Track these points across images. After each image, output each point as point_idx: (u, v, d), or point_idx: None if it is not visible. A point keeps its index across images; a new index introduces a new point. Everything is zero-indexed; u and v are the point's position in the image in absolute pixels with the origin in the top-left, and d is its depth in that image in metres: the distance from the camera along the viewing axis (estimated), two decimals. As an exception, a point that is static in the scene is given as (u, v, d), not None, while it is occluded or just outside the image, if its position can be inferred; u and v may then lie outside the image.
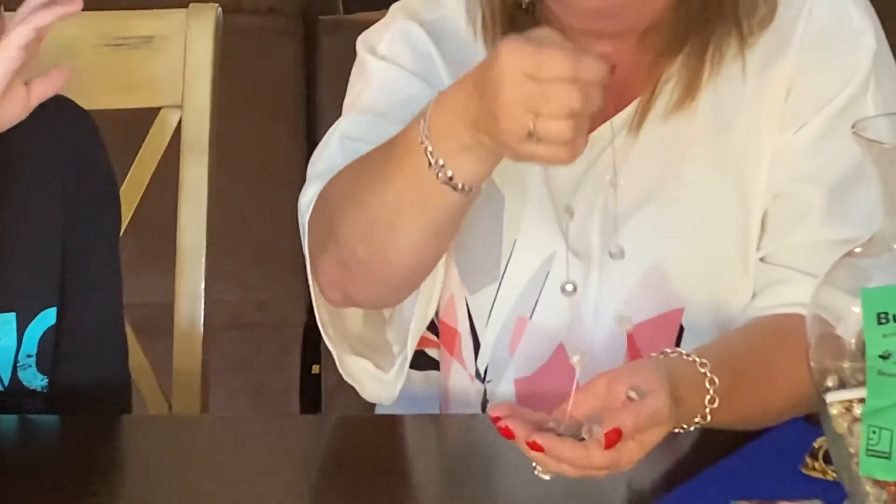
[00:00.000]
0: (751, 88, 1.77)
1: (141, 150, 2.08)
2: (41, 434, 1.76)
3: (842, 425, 1.43)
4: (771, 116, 1.77)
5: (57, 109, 1.80)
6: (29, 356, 1.79)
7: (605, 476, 1.43)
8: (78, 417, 1.81)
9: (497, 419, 1.40)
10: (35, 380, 1.80)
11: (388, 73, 1.82)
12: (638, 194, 1.77)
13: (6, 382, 1.78)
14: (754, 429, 1.62)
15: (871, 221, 1.69)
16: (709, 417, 1.54)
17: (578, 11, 1.74)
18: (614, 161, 1.70)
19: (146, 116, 2.09)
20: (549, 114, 1.42)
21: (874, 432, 1.39)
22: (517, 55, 1.43)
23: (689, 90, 1.76)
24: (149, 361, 2.05)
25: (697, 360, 1.55)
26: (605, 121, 1.76)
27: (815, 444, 1.55)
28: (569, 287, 1.66)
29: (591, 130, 1.73)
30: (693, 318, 1.51)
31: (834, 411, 1.44)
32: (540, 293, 1.80)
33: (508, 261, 1.82)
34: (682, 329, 1.48)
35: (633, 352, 1.44)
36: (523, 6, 1.77)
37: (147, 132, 2.09)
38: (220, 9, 2.09)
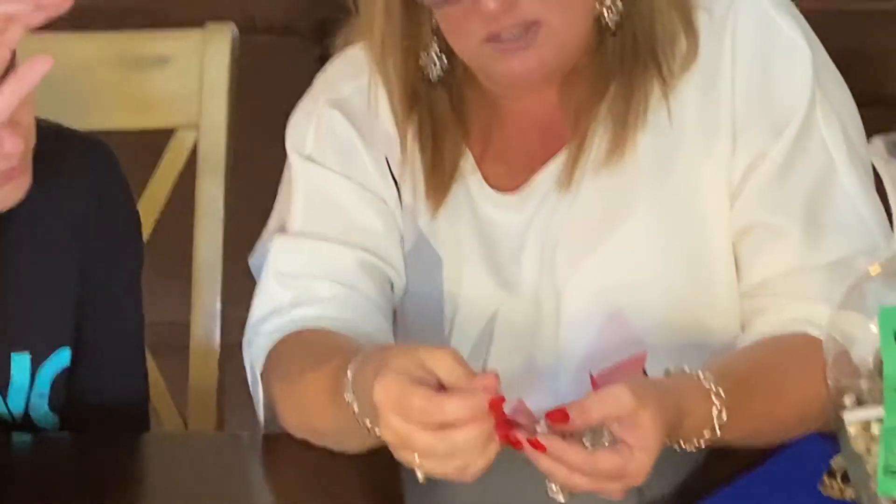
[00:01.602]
0: (688, 127, 1.75)
1: (157, 170, 2.09)
2: (57, 452, 1.76)
3: (860, 444, 1.42)
4: (716, 151, 1.74)
5: (75, 145, 1.80)
6: (41, 395, 1.78)
7: (621, 496, 1.43)
8: (94, 435, 1.81)
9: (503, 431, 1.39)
10: (46, 419, 1.80)
11: (319, 180, 1.82)
12: (584, 243, 1.76)
13: (18, 420, 1.78)
14: (766, 444, 1.61)
15: (853, 231, 1.72)
16: (718, 431, 1.54)
17: (503, 85, 1.76)
18: (553, 219, 1.76)
19: (162, 136, 2.09)
20: (424, 455, 1.39)
21: (892, 451, 1.39)
22: (390, 388, 1.38)
23: (618, 140, 1.74)
24: (164, 379, 2.05)
25: (700, 373, 1.55)
26: (534, 171, 1.78)
27: (833, 464, 1.55)
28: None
29: (522, 183, 1.78)
30: (655, 360, 1.51)
31: (852, 430, 1.43)
32: (486, 354, 1.80)
33: (451, 324, 1.82)
34: (645, 373, 1.48)
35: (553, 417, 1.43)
36: (432, 80, 1.78)
37: (163, 152, 2.09)
38: (235, 28, 2.09)
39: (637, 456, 1.41)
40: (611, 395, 1.41)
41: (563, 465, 1.39)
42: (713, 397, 1.53)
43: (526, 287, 1.78)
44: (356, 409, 1.52)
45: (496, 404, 1.38)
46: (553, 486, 1.43)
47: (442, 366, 1.40)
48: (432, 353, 1.42)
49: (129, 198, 1.87)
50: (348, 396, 1.52)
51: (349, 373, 1.52)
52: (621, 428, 1.41)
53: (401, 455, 1.41)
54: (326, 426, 1.62)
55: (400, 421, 1.38)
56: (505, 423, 1.39)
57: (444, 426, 1.36)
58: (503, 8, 1.64)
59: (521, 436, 1.39)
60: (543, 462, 1.39)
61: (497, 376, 1.40)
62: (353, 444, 1.58)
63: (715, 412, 1.53)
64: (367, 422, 1.52)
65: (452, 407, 1.36)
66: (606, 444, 1.41)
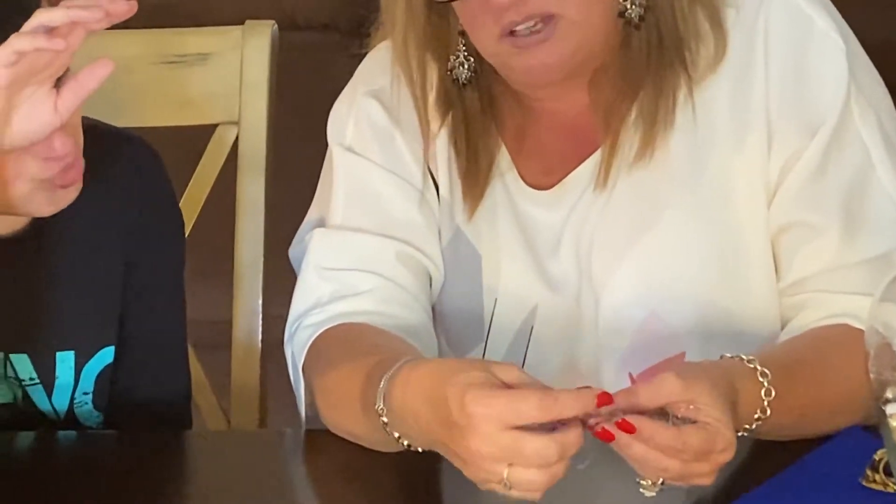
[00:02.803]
0: (719, 126, 1.74)
1: (198, 167, 2.09)
2: (101, 449, 1.77)
3: (903, 437, 1.43)
4: (749, 151, 1.74)
5: (120, 146, 1.82)
6: (85, 394, 1.80)
7: (711, 480, 1.43)
8: (138, 433, 1.82)
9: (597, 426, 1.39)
10: (91, 417, 1.82)
11: (358, 170, 1.83)
12: (620, 243, 1.76)
13: (62, 417, 1.80)
14: (813, 431, 1.61)
15: (890, 228, 1.71)
16: (768, 411, 1.53)
17: (525, 83, 1.76)
18: (589, 218, 1.76)
19: (203, 133, 2.10)
20: (524, 464, 1.37)
21: (934, 444, 1.39)
22: (489, 405, 1.37)
23: (648, 139, 1.73)
24: (207, 377, 2.06)
25: (745, 357, 1.56)
26: (568, 170, 1.78)
27: (876, 457, 1.55)
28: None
29: (557, 181, 1.78)
30: (694, 358, 1.51)
31: (894, 423, 1.44)
32: (526, 349, 1.80)
33: (491, 318, 1.82)
34: None
35: (602, 399, 1.43)
36: (461, 83, 1.78)
37: (204, 149, 2.10)
38: (275, 25, 2.10)
39: (719, 429, 1.41)
40: (657, 381, 1.42)
41: (650, 447, 1.39)
42: (759, 377, 1.54)
43: (564, 284, 1.78)
44: (386, 421, 1.52)
45: (605, 398, 1.38)
46: (643, 481, 1.43)
47: (512, 376, 1.41)
48: (501, 366, 1.43)
49: (172, 199, 1.88)
50: (379, 408, 1.52)
51: (382, 384, 1.52)
52: (686, 413, 1.41)
53: (487, 469, 1.39)
54: (358, 431, 1.63)
55: (505, 430, 1.36)
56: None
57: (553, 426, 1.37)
58: (514, 2, 1.64)
59: (609, 427, 1.38)
60: (636, 448, 1.39)
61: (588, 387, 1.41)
62: (383, 448, 1.59)
63: (763, 391, 1.53)
64: (396, 434, 1.52)
65: (568, 401, 1.37)
66: None
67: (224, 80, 2.09)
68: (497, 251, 1.80)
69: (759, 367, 1.54)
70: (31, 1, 1.58)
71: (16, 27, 1.51)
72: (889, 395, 1.44)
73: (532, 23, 1.66)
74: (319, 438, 1.70)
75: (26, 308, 1.73)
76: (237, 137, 2.09)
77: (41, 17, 1.51)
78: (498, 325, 1.82)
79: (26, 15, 1.52)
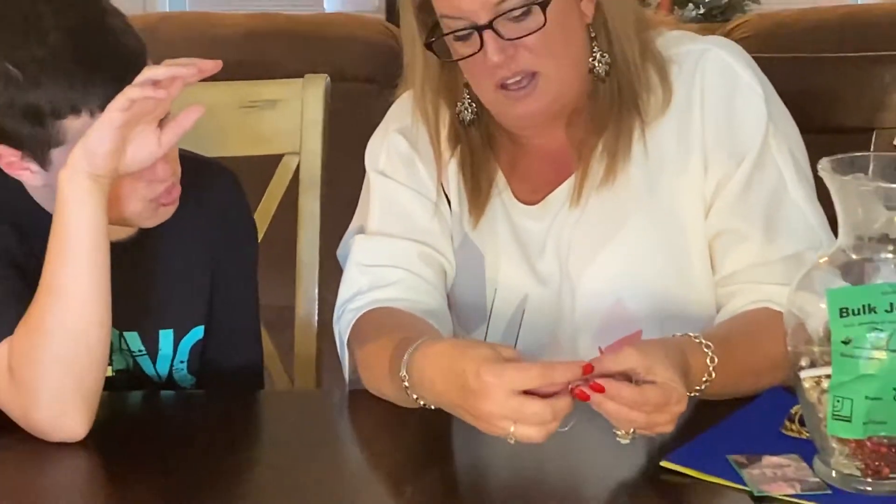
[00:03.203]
0: (667, 157, 1.73)
1: (268, 187, 2.09)
2: (194, 405, 1.78)
3: (813, 396, 1.42)
4: (691, 175, 1.73)
5: (208, 172, 1.82)
6: (181, 362, 1.81)
7: (671, 427, 1.43)
8: (222, 392, 1.82)
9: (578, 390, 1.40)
10: (185, 380, 1.82)
11: (388, 189, 1.82)
12: (591, 247, 1.75)
13: (164, 380, 1.80)
14: (746, 391, 1.61)
15: (800, 232, 1.71)
16: (713, 374, 1.53)
17: (514, 125, 1.76)
18: (566, 228, 1.75)
19: (272, 161, 2.09)
20: (526, 422, 1.38)
21: (838, 401, 1.38)
22: (500, 375, 1.38)
23: (611, 167, 1.73)
24: (276, 349, 2.06)
25: (692, 334, 1.55)
26: (550, 190, 1.78)
27: (792, 411, 1.55)
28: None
29: (541, 198, 1.78)
30: (648, 337, 1.51)
31: (807, 385, 1.43)
32: (519, 328, 1.80)
33: (492, 304, 1.81)
34: None
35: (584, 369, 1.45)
36: (466, 123, 1.78)
37: (273, 173, 2.10)
38: (328, 78, 2.10)
39: (672, 386, 1.41)
40: (621, 354, 1.42)
41: (618, 403, 1.39)
42: (704, 349, 1.53)
43: (549, 279, 1.78)
44: (407, 385, 1.53)
45: (588, 368, 1.39)
46: (618, 431, 1.43)
47: (511, 353, 1.43)
48: (501, 346, 1.46)
49: (248, 212, 1.88)
50: (403, 375, 1.52)
51: (405, 357, 1.52)
52: (645, 377, 1.41)
53: (496, 425, 1.39)
54: (387, 391, 1.62)
55: (513, 396, 1.37)
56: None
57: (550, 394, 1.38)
58: (505, 61, 1.65)
59: (584, 388, 1.39)
60: (608, 405, 1.39)
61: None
62: (405, 405, 1.58)
63: (708, 359, 1.53)
64: (415, 396, 1.53)
65: (561, 370, 1.38)
66: None
67: (288, 120, 2.08)
68: (496, 253, 1.80)
69: (703, 342, 1.54)
70: (140, 60, 1.58)
71: (129, 81, 1.51)
72: (803, 363, 1.43)
73: (519, 78, 1.67)
74: (360, 396, 1.69)
75: (136, 296, 1.73)
76: (298, 165, 2.08)
77: (148, 73, 1.51)
78: (497, 309, 1.81)
79: (137, 71, 1.52)
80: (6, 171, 1.63)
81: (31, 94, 1.55)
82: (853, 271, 1.41)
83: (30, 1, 1.58)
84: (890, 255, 1.40)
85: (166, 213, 1.67)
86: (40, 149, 1.59)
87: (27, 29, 1.56)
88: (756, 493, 1.41)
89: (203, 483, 1.48)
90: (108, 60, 1.57)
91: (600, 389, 1.39)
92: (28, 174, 1.63)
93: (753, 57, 1.80)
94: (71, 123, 1.56)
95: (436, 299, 1.79)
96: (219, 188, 1.83)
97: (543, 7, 1.63)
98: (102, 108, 1.53)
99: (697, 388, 1.52)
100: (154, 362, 1.79)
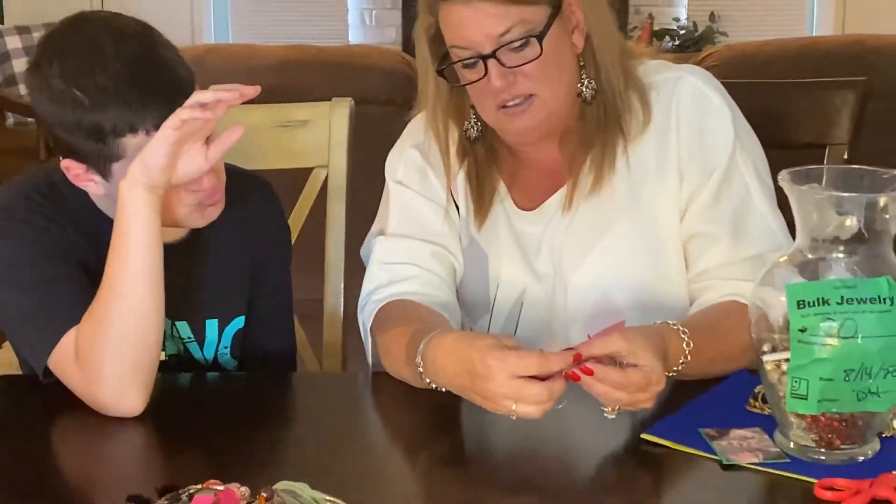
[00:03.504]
0: (648, 171, 1.73)
1: (301, 196, 2.09)
2: (236, 385, 1.77)
3: (774, 377, 1.42)
4: (668, 186, 1.72)
5: (248, 183, 1.82)
6: (225, 348, 1.81)
7: (651, 404, 1.45)
8: (260, 374, 1.82)
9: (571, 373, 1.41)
10: (228, 364, 1.82)
11: (404, 196, 1.82)
12: (581, 251, 1.75)
13: (210, 363, 1.80)
14: (717, 373, 1.61)
15: (763, 236, 1.71)
16: (689, 357, 1.54)
17: (514, 141, 1.75)
18: (559, 231, 1.74)
19: (304, 174, 2.09)
20: (525, 402, 1.40)
21: (796, 382, 1.38)
22: (503, 360, 1.40)
23: (598, 179, 1.72)
24: (307, 337, 2.05)
25: (671, 322, 1.56)
26: (545, 198, 1.77)
27: (756, 390, 1.55)
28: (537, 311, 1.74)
29: (537, 205, 1.77)
30: (630, 325, 1.52)
31: (769, 368, 1.43)
32: (518, 318, 1.79)
33: (495, 297, 1.80)
34: None
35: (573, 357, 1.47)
36: (472, 139, 1.77)
37: (304, 184, 2.09)
38: (352, 101, 2.10)
39: (652, 369, 1.43)
40: (609, 339, 1.44)
41: (605, 384, 1.41)
42: (681, 334, 1.54)
43: (544, 275, 1.77)
44: (421, 371, 1.54)
45: (578, 357, 1.41)
46: (605, 408, 1.45)
47: (512, 343, 1.45)
48: (506, 337, 1.47)
49: (282, 217, 1.88)
50: (419, 362, 1.54)
51: (420, 346, 1.53)
52: (628, 361, 1.43)
53: (500, 404, 1.41)
54: (403, 374, 1.62)
55: (514, 379, 1.39)
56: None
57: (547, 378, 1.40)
58: (506, 86, 1.65)
59: (577, 371, 1.41)
60: (597, 386, 1.41)
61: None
62: (419, 386, 1.58)
63: (684, 345, 1.54)
64: (428, 379, 1.54)
65: (555, 359, 1.40)
66: None
67: (318, 138, 2.08)
68: (499, 253, 1.79)
69: (680, 328, 1.55)
70: (188, 87, 1.58)
71: (179, 104, 1.51)
72: (765, 348, 1.43)
73: (518, 100, 1.67)
74: (381, 378, 1.69)
75: (185, 290, 1.73)
76: (326, 177, 2.08)
77: (196, 97, 1.51)
78: (499, 302, 1.81)
79: (186, 95, 1.52)
80: (74, 182, 1.64)
81: (95, 116, 1.56)
82: (809, 269, 1.41)
83: (94, 35, 1.59)
84: (841, 255, 1.40)
85: (213, 213, 1.67)
86: (102, 163, 1.60)
87: (92, 59, 1.56)
88: (725, 462, 1.41)
89: (243, 453, 1.48)
90: (161, 87, 1.57)
91: (590, 373, 1.41)
92: (92, 185, 1.64)
93: (722, 83, 1.80)
94: (129, 141, 1.56)
95: (446, 293, 1.78)
96: (257, 197, 1.83)
97: (539, 39, 1.64)
98: (156, 128, 1.53)
99: (675, 369, 1.52)
100: (201, 348, 1.79)
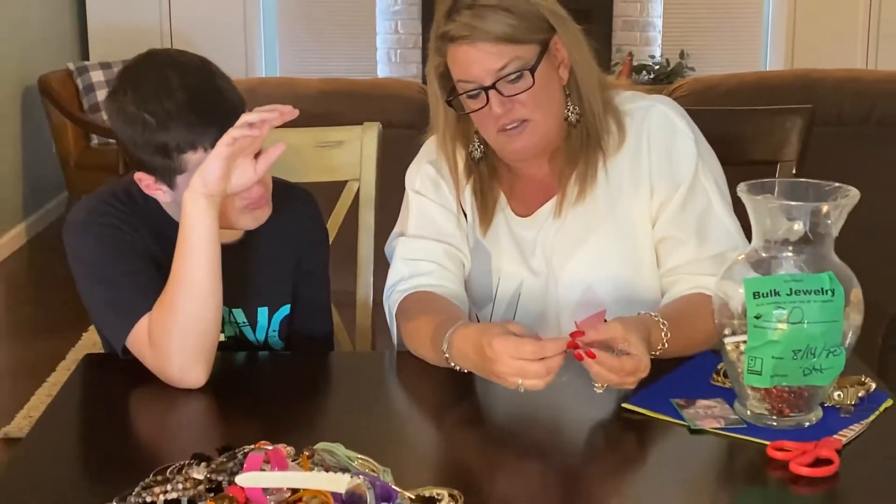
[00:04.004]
0: (624, 184, 1.72)
1: (337, 204, 2.08)
2: (282, 362, 1.77)
3: (734, 356, 1.42)
4: (641, 197, 1.72)
5: (292, 192, 1.82)
6: (274, 331, 1.80)
7: (633, 385, 1.46)
8: (305, 355, 1.81)
9: (575, 346, 1.43)
10: (277, 344, 1.82)
11: (421, 204, 1.81)
12: (569, 251, 1.75)
13: (261, 344, 1.80)
14: (689, 353, 1.60)
15: (723, 238, 1.70)
16: (666, 344, 1.55)
17: (512, 159, 1.75)
18: (550, 234, 1.74)
19: (339, 186, 2.08)
20: (528, 377, 1.42)
21: (752, 360, 1.38)
22: (505, 346, 1.42)
23: (582, 191, 1.72)
24: (342, 322, 2.05)
25: (652, 314, 1.56)
26: (538, 206, 1.77)
27: (718, 367, 1.55)
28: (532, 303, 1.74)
29: (531, 212, 1.77)
30: (611, 316, 1.52)
31: (729, 348, 1.43)
32: (516, 306, 1.79)
33: (497, 288, 1.80)
34: (605, 321, 1.49)
35: (575, 333, 1.47)
36: (476, 159, 1.77)
37: (339, 194, 2.09)
38: (380, 125, 2.09)
39: (640, 358, 1.44)
40: (609, 326, 1.46)
41: (603, 367, 1.43)
42: (661, 325, 1.54)
43: (539, 271, 1.77)
44: (449, 357, 1.55)
45: (573, 344, 1.43)
46: (596, 385, 1.46)
47: (517, 329, 1.46)
48: (511, 324, 1.48)
49: (321, 221, 1.88)
50: (445, 349, 1.55)
51: (447, 335, 1.55)
52: (623, 347, 1.44)
53: (508, 380, 1.43)
54: (426, 355, 1.62)
55: (516, 360, 1.41)
56: (575, 346, 1.44)
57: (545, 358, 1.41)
58: (504, 112, 1.66)
59: (583, 353, 1.42)
60: (595, 367, 1.43)
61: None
62: (439, 365, 1.59)
63: (663, 333, 1.54)
64: (452, 363, 1.55)
65: (551, 345, 1.42)
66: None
67: (351, 156, 2.07)
68: (500, 252, 1.79)
69: (660, 320, 1.55)
70: (240, 110, 1.58)
71: (231, 124, 1.52)
72: (726, 332, 1.43)
73: (514, 124, 1.67)
74: (405, 357, 1.69)
75: (240, 283, 1.73)
76: (358, 188, 2.08)
77: (245, 118, 1.52)
78: (500, 293, 1.80)
79: (237, 116, 1.53)
80: (145, 191, 1.65)
81: (162, 136, 1.56)
82: (763, 266, 1.41)
83: (162, 68, 1.59)
84: (790, 254, 1.40)
85: (261, 217, 1.67)
86: (168, 175, 1.60)
87: (159, 89, 1.57)
88: (692, 427, 1.41)
89: (289, 419, 1.48)
90: (217, 112, 1.57)
91: (593, 356, 1.42)
92: (160, 193, 1.64)
93: (689, 110, 1.79)
94: (190, 157, 1.57)
95: (457, 284, 1.78)
96: (300, 204, 1.83)
97: (532, 72, 1.64)
98: (213, 146, 1.54)
99: (653, 353, 1.52)
100: (254, 331, 1.79)
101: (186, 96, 1.56)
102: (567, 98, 1.72)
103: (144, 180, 1.63)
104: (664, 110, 1.74)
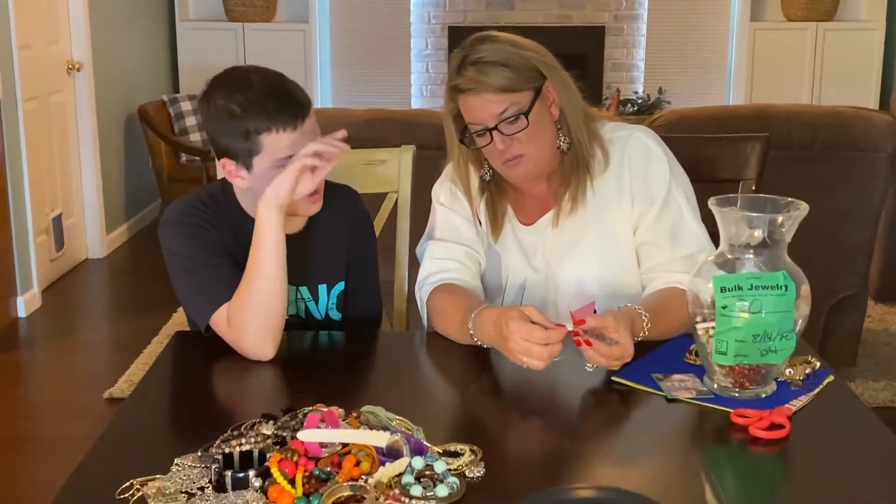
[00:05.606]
0: (609, 200, 1.71)
1: (379, 211, 2.08)
2: (338, 341, 1.76)
3: (704, 339, 1.41)
4: (624, 211, 1.71)
5: (340, 190, 1.81)
6: (332, 304, 1.79)
7: (619, 367, 1.46)
8: (356, 328, 1.81)
9: (576, 333, 1.43)
10: (335, 316, 1.81)
11: (445, 214, 1.80)
12: (564, 254, 1.74)
13: (323, 318, 1.79)
14: (667, 338, 1.59)
15: (693, 242, 1.69)
16: (647, 332, 1.53)
17: (515, 182, 1.74)
18: (548, 240, 1.74)
19: (381, 196, 2.09)
20: (533, 356, 1.42)
21: (719, 342, 1.37)
22: (517, 328, 1.42)
23: (574, 205, 1.71)
24: (384, 306, 2.05)
25: (636, 306, 1.55)
26: (539, 217, 1.76)
27: (691, 348, 1.54)
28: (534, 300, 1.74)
29: (533, 222, 1.76)
30: (600, 306, 1.51)
31: (700, 332, 1.42)
32: (522, 298, 1.78)
33: (505, 285, 1.79)
34: (595, 311, 1.48)
35: (578, 322, 1.46)
36: (486, 180, 1.76)
37: (382, 203, 2.09)
38: (414, 148, 2.09)
39: (626, 347, 1.44)
40: (603, 317, 1.45)
41: (596, 352, 1.43)
42: (643, 316, 1.53)
43: (540, 270, 1.76)
44: (472, 333, 1.54)
45: (580, 323, 1.43)
46: (588, 365, 1.46)
47: (530, 311, 1.45)
48: (528, 308, 1.46)
49: (367, 215, 1.86)
50: (470, 326, 1.55)
51: (472, 315, 1.54)
52: (613, 336, 1.44)
53: (517, 356, 1.44)
54: (453, 334, 1.62)
55: (525, 341, 1.42)
56: (577, 334, 1.43)
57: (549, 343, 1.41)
58: (505, 148, 1.65)
59: (581, 339, 1.42)
60: (589, 352, 1.43)
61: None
62: (463, 342, 1.59)
63: (645, 323, 1.53)
64: (476, 339, 1.55)
65: (554, 334, 1.42)
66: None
67: (391, 172, 2.07)
68: (508, 254, 1.78)
69: (643, 312, 1.54)
70: (306, 104, 1.61)
71: (300, 115, 1.59)
72: (698, 320, 1.42)
73: (513, 158, 1.67)
74: (433, 336, 1.69)
75: (304, 265, 1.73)
76: (396, 199, 2.08)
77: (311, 147, 1.55)
78: (508, 288, 1.80)
79: (304, 109, 1.60)
80: (227, 178, 1.65)
81: (244, 122, 1.58)
82: (728, 265, 1.40)
83: (243, 72, 1.62)
84: (751, 256, 1.39)
85: (316, 207, 1.68)
86: (248, 157, 1.61)
87: (242, 85, 1.59)
88: (669, 397, 1.40)
89: (343, 386, 1.48)
90: (287, 102, 1.59)
91: (589, 343, 1.42)
92: (239, 180, 1.64)
93: (666, 137, 1.78)
94: (265, 138, 1.58)
95: (475, 279, 1.78)
96: (350, 200, 1.82)
97: (526, 115, 1.64)
98: (284, 128, 1.56)
99: (637, 338, 1.51)
100: (317, 304, 1.78)
101: (263, 90, 1.58)
102: (559, 130, 1.71)
103: (227, 166, 1.63)
104: (641, 137, 1.73)
